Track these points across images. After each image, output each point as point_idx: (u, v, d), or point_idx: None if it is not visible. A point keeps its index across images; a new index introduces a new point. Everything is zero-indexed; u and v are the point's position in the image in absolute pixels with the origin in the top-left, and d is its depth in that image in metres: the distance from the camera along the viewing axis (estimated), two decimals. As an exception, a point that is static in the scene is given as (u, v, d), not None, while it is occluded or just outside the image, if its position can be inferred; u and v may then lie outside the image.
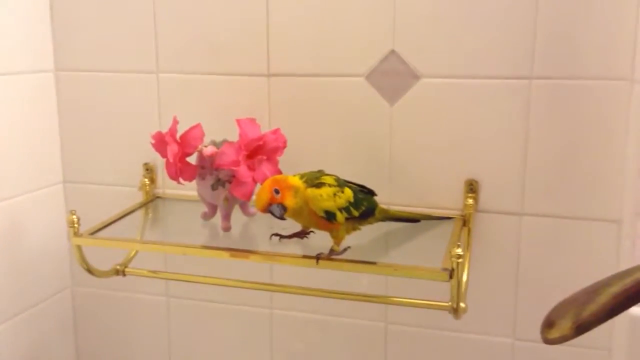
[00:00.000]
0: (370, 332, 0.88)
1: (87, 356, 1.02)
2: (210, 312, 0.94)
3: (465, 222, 0.79)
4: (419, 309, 0.84)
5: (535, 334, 0.81)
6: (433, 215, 0.80)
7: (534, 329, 0.81)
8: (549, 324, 0.56)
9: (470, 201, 0.79)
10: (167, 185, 0.92)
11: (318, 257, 0.69)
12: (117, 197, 0.93)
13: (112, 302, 0.99)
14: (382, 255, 0.75)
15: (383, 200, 0.77)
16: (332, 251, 0.70)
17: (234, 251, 0.73)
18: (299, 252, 0.72)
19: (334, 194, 0.69)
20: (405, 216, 0.79)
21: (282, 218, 0.67)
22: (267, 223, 0.80)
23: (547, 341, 0.55)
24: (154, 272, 0.90)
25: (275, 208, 0.67)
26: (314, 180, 0.69)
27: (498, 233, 0.80)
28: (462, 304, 0.69)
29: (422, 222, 0.79)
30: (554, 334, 0.54)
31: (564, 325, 0.54)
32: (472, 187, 0.80)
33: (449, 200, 0.80)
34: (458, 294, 0.66)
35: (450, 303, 0.69)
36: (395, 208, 0.81)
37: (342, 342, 0.89)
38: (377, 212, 0.74)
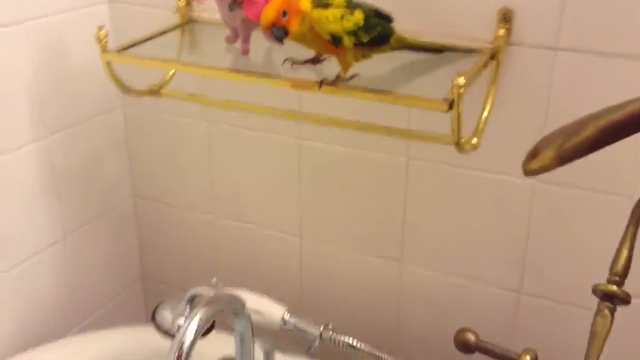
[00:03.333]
0: (393, 167, 0.87)
1: (140, 172, 1.10)
2: (245, 138, 0.97)
3: (494, 55, 0.74)
4: (443, 146, 0.83)
5: (558, 178, 0.78)
6: (458, 46, 0.75)
7: (557, 172, 0.78)
8: (533, 154, 0.53)
9: (502, 32, 0.73)
10: (202, 8, 0.91)
11: (321, 82, 0.68)
12: (161, 19, 0.93)
13: (160, 124, 1.04)
14: (394, 86, 0.71)
15: (403, 28, 0.72)
16: (338, 77, 0.68)
17: (240, 72, 0.73)
18: (312, 78, 0.71)
19: (342, 17, 0.66)
20: (426, 46, 0.74)
21: (280, 42, 0.66)
22: (291, 50, 0.79)
23: (527, 172, 0.53)
24: (190, 95, 0.93)
25: (277, 30, 0.65)
26: (322, 0, 0.66)
27: (529, 69, 0.74)
28: (473, 139, 0.67)
29: (446, 54, 0.75)
30: (535, 164, 0.52)
31: (546, 156, 0.51)
32: (505, 17, 0.73)
33: (479, 31, 0.75)
34: (458, 127, 0.63)
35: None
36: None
37: (365, 174, 0.90)
38: (392, 39, 0.70)
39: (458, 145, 0.66)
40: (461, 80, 0.60)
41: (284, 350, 0.75)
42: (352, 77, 0.68)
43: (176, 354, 0.62)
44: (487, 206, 0.84)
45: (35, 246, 0.95)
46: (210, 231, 1.07)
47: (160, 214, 1.11)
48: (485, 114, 0.73)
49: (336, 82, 0.68)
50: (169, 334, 0.78)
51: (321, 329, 0.71)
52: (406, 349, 0.96)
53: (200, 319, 0.64)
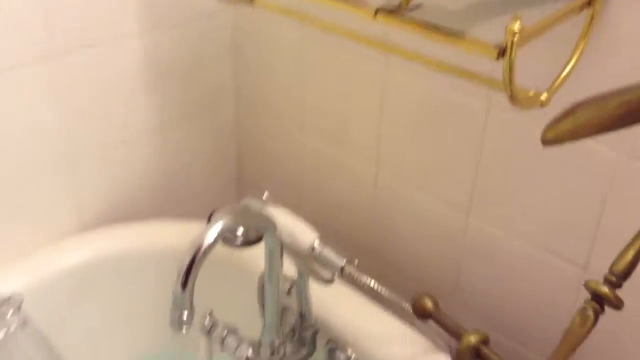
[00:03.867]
0: (473, 112, 0.81)
1: (243, 80, 1.13)
2: (338, 62, 0.95)
3: (590, 2, 0.64)
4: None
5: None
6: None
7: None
8: (556, 121, 0.47)
9: (605, -24, 0.63)
10: None
11: (377, 10, 0.63)
12: None
13: (267, 35, 1.05)
14: (462, 23, 0.65)
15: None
16: (399, 6, 0.64)
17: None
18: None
19: (409, -60, 0.60)
20: (513, -18, 0.66)
21: None
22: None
23: (543, 141, 0.47)
24: (284, 9, 0.92)
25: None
26: None
27: (632, 25, 0.64)
28: (543, 95, 0.61)
29: (537, -6, 0.66)
30: (550, 134, 0.46)
31: (562, 128, 0.45)
32: (614, -42, 0.63)
33: (580, -28, 0.65)
34: (510, 78, 0.57)
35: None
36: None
37: (446, 115, 0.85)
38: (470, -29, 0.64)
39: (512, 98, 0.59)
40: (516, 26, 0.54)
41: (316, 276, 0.76)
42: (416, 8, 0.63)
43: (192, 254, 0.65)
44: (566, 172, 0.76)
45: (134, 131, 1.03)
46: (298, 147, 1.08)
47: (258, 124, 1.14)
48: (566, 70, 0.65)
49: (395, 11, 0.63)
50: (217, 236, 0.82)
51: (344, 262, 0.70)
52: (462, 304, 0.93)
53: (222, 227, 0.66)
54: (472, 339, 0.46)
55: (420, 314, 0.52)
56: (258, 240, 0.80)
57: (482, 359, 0.45)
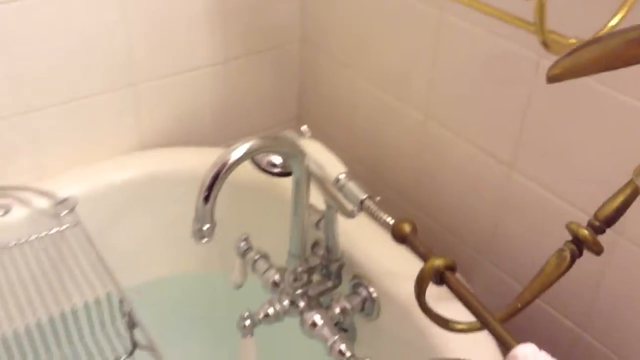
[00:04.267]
0: (524, 62, 0.79)
1: (310, 18, 1.13)
2: (394, 3, 0.94)
3: (649, -53, 0.60)
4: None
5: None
6: None
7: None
8: (561, 58, 0.46)
9: None
10: None
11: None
12: None
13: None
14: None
15: None
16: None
17: None
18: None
19: None
20: None
21: None
22: None
23: (547, 78, 0.46)
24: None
25: None
26: None
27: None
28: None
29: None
30: (554, 70, 0.45)
31: (563, 64, 0.44)
32: None
33: None
34: (540, 21, 0.55)
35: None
36: None
37: (497, 63, 0.82)
38: None
39: (544, 42, 0.57)
40: (547, -37, 0.52)
41: (341, 208, 0.77)
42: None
43: (216, 170, 0.67)
44: (611, 131, 0.72)
45: (198, 62, 1.07)
46: (354, 90, 1.08)
47: (320, 64, 1.15)
48: (612, 22, 0.62)
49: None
50: (255, 163, 0.85)
51: (365, 196, 0.71)
52: (497, 256, 0.92)
53: (249, 147, 0.68)
54: (437, 262, 0.46)
55: (398, 238, 0.52)
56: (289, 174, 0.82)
57: (446, 284, 0.45)
